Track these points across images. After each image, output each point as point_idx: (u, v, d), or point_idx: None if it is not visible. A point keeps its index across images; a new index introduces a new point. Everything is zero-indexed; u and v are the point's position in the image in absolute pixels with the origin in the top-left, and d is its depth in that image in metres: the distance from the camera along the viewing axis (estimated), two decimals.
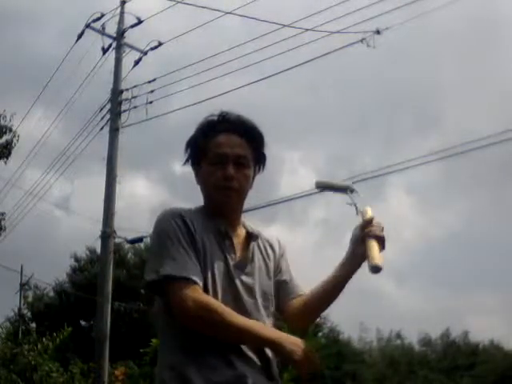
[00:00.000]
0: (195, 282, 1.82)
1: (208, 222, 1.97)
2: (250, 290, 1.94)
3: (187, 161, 2.06)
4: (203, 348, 1.83)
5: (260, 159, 2.07)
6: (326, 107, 36.25)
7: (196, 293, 1.81)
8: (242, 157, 1.99)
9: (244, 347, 1.85)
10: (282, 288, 2.09)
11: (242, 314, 1.86)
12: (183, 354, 1.84)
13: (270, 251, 2.08)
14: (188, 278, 1.82)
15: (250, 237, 2.03)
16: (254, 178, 2.07)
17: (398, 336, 24.97)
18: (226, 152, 1.98)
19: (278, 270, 2.10)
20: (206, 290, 1.85)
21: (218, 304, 1.82)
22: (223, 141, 1.99)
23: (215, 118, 2.04)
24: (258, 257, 2.02)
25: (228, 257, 1.94)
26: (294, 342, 1.81)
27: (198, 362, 1.81)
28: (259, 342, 1.84)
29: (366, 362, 23.52)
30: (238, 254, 1.97)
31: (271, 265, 2.06)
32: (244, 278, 1.94)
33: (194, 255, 1.87)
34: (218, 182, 1.97)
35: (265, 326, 1.88)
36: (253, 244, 2.02)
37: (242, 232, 2.04)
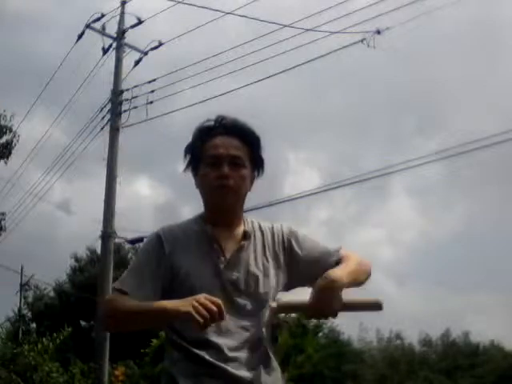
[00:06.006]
0: (123, 292, 1.91)
1: (199, 229, 2.01)
2: (239, 290, 1.94)
3: (187, 167, 2.08)
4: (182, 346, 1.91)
5: (258, 162, 2.08)
6: (329, 107, 36.23)
7: (113, 299, 1.94)
8: (237, 157, 2.00)
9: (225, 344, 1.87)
10: (318, 265, 2.00)
11: (236, 314, 1.90)
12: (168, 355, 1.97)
13: (271, 245, 2.05)
14: (118, 289, 1.93)
15: (245, 235, 2.02)
16: (252, 182, 2.07)
17: (398, 336, 24.94)
18: (221, 153, 1.99)
19: (289, 257, 2.04)
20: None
21: (117, 301, 1.90)
22: (218, 143, 2.01)
23: (211, 122, 2.06)
24: (251, 255, 2.00)
25: (216, 260, 1.96)
26: (185, 302, 1.77)
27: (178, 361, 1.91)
28: (162, 318, 1.86)
29: (365, 361, 23.48)
30: (229, 255, 1.97)
31: (272, 260, 2.03)
32: (234, 278, 1.94)
33: (148, 274, 1.94)
34: (213, 181, 1.98)
35: (156, 303, 1.86)
36: (244, 243, 2.00)
37: (239, 232, 2.03)
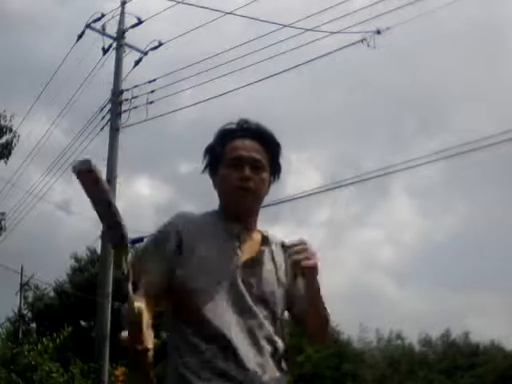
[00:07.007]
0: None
1: (220, 225, 1.99)
2: (251, 293, 1.92)
3: (205, 168, 2.08)
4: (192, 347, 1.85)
5: (276, 168, 2.08)
6: (329, 107, 36.24)
7: None
8: (258, 160, 2.00)
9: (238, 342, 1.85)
10: (299, 302, 2.04)
11: (245, 312, 1.88)
12: (178, 354, 1.88)
13: (281, 258, 2.04)
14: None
15: (264, 241, 2.02)
16: (269, 186, 2.07)
17: (399, 336, 24.93)
18: (243, 155, 1.99)
19: (290, 279, 2.04)
20: (194, 290, 1.87)
21: None
22: (239, 145, 2.01)
23: (234, 125, 2.06)
24: (268, 262, 2.00)
25: (234, 258, 1.94)
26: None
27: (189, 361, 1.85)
28: None
29: (365, 361, 23.48)
30: (246, 256, 1.96)
31: (281, 273, 2.02)
32: (250, 280, 1.93)
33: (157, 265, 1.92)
34: (235, 182, 1.97)
35: None
36: (264, 248, 2.01)
37: (257, 236, 2.03)
